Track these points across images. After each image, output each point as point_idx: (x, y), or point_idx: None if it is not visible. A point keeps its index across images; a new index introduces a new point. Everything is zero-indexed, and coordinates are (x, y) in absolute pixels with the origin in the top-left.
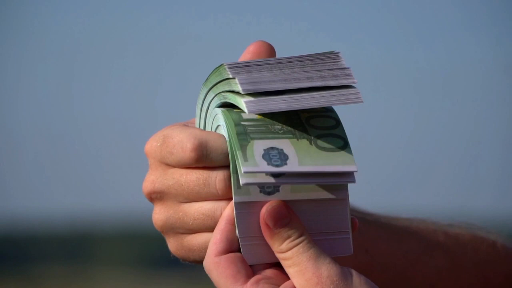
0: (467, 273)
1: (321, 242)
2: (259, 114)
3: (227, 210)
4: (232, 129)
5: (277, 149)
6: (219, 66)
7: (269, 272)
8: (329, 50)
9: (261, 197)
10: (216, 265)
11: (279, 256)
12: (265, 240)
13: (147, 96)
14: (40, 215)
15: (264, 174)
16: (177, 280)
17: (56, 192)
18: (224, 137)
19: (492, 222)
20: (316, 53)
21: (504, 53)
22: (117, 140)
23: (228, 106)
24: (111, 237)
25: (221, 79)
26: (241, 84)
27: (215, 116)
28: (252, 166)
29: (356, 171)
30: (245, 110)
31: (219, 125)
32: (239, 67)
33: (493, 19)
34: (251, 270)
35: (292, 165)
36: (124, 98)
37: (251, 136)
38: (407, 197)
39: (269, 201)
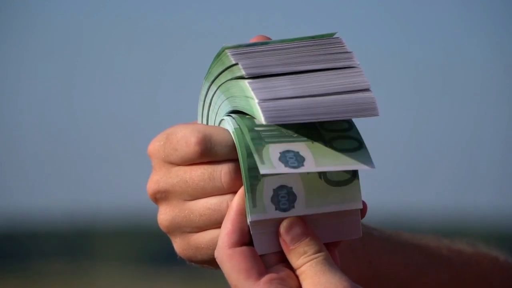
0: (470, 286)
1: (330, 226)
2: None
3: (236, 201)
4: (247, 134)
5: (293, 151)
6: (220, 53)
7: (282, 272)
8: (331, 35)
9: (277, 214)
10: (229, 258)
11: (297, 272)
12: (275, 228)
13: (148, 94)
14: (40, 211)
15: (273, 211)
16: (177, 276)
17: (56, 189)
18: (228, 130)
19: (492, 220)
20: (319, 37)
21: (504, 53)
22: (117, 137)
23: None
24: (111, 233)
25: (224, 68)
26: (244, 68)
27: (217, 111)
28: (269, 168)
29: (374, 168)
30: (262, 120)
31: (222, 119)
32: (241, 53)
33: (493, 19)
34: (264, 266)
35: (310, 166)
36: (125, 96)
37: (266, 140)
38: (407, 196)
39: (285, 217)
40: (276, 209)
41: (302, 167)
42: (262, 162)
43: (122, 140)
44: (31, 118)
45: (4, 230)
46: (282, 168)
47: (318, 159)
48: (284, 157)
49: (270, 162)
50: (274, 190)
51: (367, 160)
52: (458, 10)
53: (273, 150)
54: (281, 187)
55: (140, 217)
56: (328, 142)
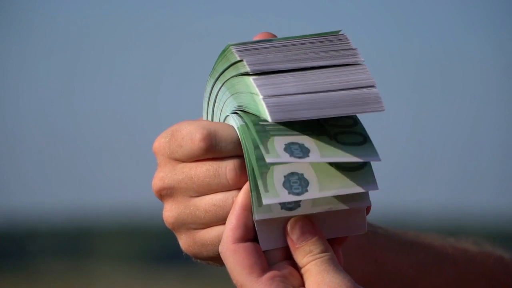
0: (475, 285)
1: (335, 221)
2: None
3: (241, 196)
4: (252, 127)
5: (298, 143)
6: (225, 50)
7: (285, 270)
8: (336, 32)
9: (283, 213)
10: (233, 253)
11: (302, 270)
12: (280, 224)
13: (147, 93)
14: (40, 210)
15: (279, 209)
16: (176, 275)
17: (56, 187)
18: (233, 127)
19: (492, 218)
20: (323, 35)
21: (504, 52)
22: (116, 136)
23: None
24: (111, 232)
25: (228, 64)
26: (249, 65)
27: (222, 107)
28: (273, 197)
29: (380, 161)
30: (268, 117)
31: (227, 116)
32: (246, 50)
33: (493, 18)
34: (267, 263)
35: (315, 157)
36: (125, 95)
37: (271, 133)
38: (406, 195)
39: (290, 216)
40: (289, 193)
41: (307, 157)
42: (267, 151)
43: (122, 139)
44: (31, 117)
45: (4, 229)
46: (287, 158)
47: (323, 150)
48: (289, 148)
49: (275, 151)
50: (285, 176)
51: (372, 152)
52: (457, 9)
53: (278, 142)
54: (292, 173)
55: (139, 216)
56: (333, 137)
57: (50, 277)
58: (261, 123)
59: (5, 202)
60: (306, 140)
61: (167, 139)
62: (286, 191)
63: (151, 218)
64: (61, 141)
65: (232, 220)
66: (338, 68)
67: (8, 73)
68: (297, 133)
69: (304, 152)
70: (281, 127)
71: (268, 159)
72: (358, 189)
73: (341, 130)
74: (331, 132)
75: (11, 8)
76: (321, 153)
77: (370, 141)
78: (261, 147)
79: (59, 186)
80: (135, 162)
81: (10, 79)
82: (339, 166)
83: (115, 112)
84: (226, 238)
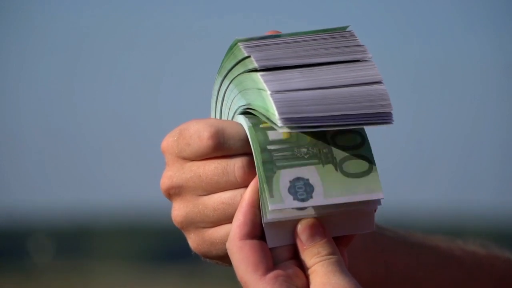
0: (483, 287)
1: (343, 219)
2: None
3: (248, 193)
4: (259, 155)
5: (303, 179)
6: (232, 46)
7: (290, 270)
8: (344, 28)
9: (295, 204)
10: (239, 250)
11: (308, 271)
12: (288, 221)
13: (147, 93)
14: (40, 210)
15: (290, 209)
16: (176, 275)
17: (55, 187)
18: (241, 124)
19: (492, 217)
20: (331, 31)
21: (504, 52)
22: (116, 135)
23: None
24: (111, 232)
25: (236, 61)
26: (256, 61)
27: (230, 105)
28: (278, 203)
29: (383, 198)
30: (276, 114)
31: (235, 114)
32: (254, 46)
33: (493, 17)
34: (272, 262)
35: (318, 198)
36: (125, 94)
37: (277, 165)
38: (407, 194)
39: (303, 207)
40: (294, 199)
41: (311, 199)
42: (272, 195)
43: (122, 139)
44: (31, 117)
45: (4, 228)
46: (290, 202)
47: (327, 188)
48: (293, 187)
49: (279, 194)
50: (290, 181)
51: (376, 188)
52: (457, 9)
53: (284, 178)
54: (297, 179)
55: (139, 215)
56: (339, 165)
57: (50, 277)
58: (268, 147)
59: (5, 202)
60: (311, 173)
61: (175, 138)
62: (291, 197)
63: (151, 218)
64: (61, 141)
65: (239, 217)
66: (345, 64)
67: (8, 73)
68: (304, 161)
69: (308, 192)
70: (288, 152)
71: (271, 206)
72: (362, 197)
73: (348, 154)
74: (337, 157)
75: (11, 8)
76: (325, 192)
77: (375, 170)
78: (266, 188)
79: (59, 185)
80: (135, 162)
81: (10, 79)
82: (344, 172)
83: (115, 112)
84: (233, 234)
